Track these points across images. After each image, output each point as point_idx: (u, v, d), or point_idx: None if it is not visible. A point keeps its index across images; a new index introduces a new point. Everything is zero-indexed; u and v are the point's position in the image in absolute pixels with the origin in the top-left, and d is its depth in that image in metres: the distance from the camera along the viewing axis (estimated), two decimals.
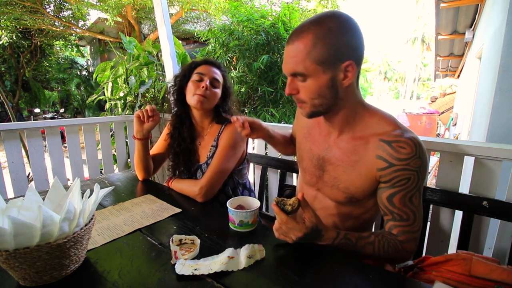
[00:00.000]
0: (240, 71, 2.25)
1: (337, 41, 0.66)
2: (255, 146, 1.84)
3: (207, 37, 2.25)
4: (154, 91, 2.74)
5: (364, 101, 0.77)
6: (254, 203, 0.84)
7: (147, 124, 1.13)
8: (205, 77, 1.09)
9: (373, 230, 1.09)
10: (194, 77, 1.10)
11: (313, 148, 0.85)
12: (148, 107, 1.11)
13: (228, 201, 0.81)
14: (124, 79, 2.62)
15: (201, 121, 1.18)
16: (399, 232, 0.71)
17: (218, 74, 1.12)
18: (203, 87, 1.06)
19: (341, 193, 0.78)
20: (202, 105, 1.08)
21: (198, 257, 0.66)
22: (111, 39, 9.17)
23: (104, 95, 2.84)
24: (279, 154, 1.43)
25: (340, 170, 0.77)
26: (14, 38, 8.67)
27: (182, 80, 1.14)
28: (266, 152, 1.73)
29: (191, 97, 1.08)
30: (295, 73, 0.69)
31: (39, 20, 7.86)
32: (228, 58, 2.10)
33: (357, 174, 0.74)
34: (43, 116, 10.44)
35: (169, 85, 1.21)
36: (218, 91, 1.12)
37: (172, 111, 1.21)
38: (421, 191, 0.72)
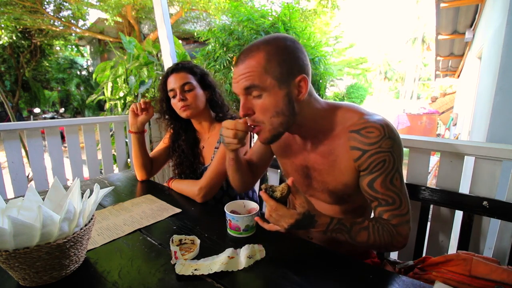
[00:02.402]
0: None
1: (288, 58, 0.67)
2: None
3: (207, 37, 2.25)
4: (154, 91, 2.75)
5: (322, 102, 0.76)
6: (249, 204, 0.83)
7: (140, 117, 1.15)
8: (175, 90, 1.08)
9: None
10: (170, 95, 1.12)
11: (295, 161, 0.85)
12: (141, 100, 1.14)
13: (225, 209, 0.78)
14: (124, 79, 2.62)
15: (200, 126, 1.20)
16: (389, 216, 0.70)
17: (185, 77, 1.09)
18: (178, 101, 1.08)
19: (332, 194, 0.79)
20: (191, 114, 1.10)
21: (198, 257, 0.66)
22: (111, 39, 9.17)
23: (104, 95, 2.84)
24: None
25: (324, 173, 0.78)
26: (14, 38, 8.67)
27: (166, 101, 1.16)
28: None
29: (180, 113, 1.12)
30: (251, 86, 0.66)
31: (39, 20, 7.87)
32: (228, 58, 2.10)
33: (339, 172, 0.74)
34: (43, 116, 10.44)
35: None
36: (195, 91, 1.10)
37: (169, 128, 1.23)
38: (401, 172, 0.71)
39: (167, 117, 1.20)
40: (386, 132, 0.68)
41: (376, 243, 0.67)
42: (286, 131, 0.73)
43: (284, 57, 0.66)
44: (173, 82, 1.09)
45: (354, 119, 0.72)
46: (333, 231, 0.66)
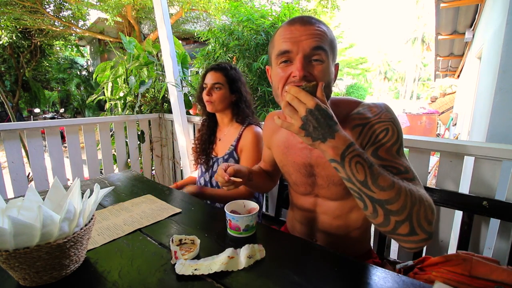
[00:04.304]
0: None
1: (335, 43, 0.71)
2: None
3: (207, 37, 2.25)
4: (154, 91, 2.75)
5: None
6: (249, 204, 0.83)
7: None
8: (207, 85, 1.24)
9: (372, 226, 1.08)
10: (204, 86, 1.27)
11: (296, 159, 0.83)
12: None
13: (225, 209, 0.78)
14: (124, 79, 2.62)
15: (221, 120, 1.33)
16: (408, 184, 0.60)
17: (219, 77, 1.23)
18: (206, 94, 1.24)
19: (340, 186, 0.77)
20: (212, 109, 1.25)
21: (198, 257, 0.66)
22: (111, 39, 9.17)
23: (104, 95, 2.84)
24: None
25: (329, 165, 0.75)
26: (14, 38, 8.66)
27: (200, 91, 1.31)
28: None
29: (206, 105, 1.27)
30: (320, 48, 0.65)
31: (39, 20, 7.86)
32: (228, 58, 2.09)
33: None
34: (43, 116, 10.44)
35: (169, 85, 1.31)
36: (223, 91, 1.23)
37: (202, 116, 1.41)
38: (403, 149, 0.68)
39: (202, 104, 1.33)
40: (385, 107, 0.71)
41: (401, 195, 0.55)
42: None
43: (335, 43, 0.71)
44: (208, 78, 1.25)
45: (354, 106, 0.75)
46: (353, 157, 0.55)
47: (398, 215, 0.55)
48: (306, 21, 0.67)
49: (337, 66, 0.73)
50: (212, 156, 1.32)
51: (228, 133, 1.30)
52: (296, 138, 0.83)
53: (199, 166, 1.37)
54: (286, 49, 0.66)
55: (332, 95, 0.76)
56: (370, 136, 0.69)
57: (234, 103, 1.27)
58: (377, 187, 0.55)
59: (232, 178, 0.80)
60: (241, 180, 0.81)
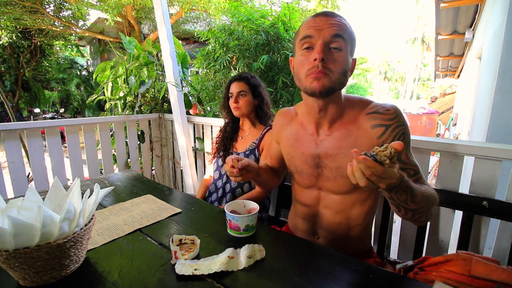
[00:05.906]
0: (240, 71, 2.24)
1: (355, 40, 0.77)
2: None
3: (207, 37, 2.25)
4: (154, 91, 2.74)
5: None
6: (249, 204, 0.83)
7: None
8: (233, 94, 1.39)
9: (373, 219, 1.09)
10: (229, 95, 1.43)
11: (305, 151, 0.85)
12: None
13: (225, 209, 0.78)
14: (124, 79, 2.62)
15: (243, 122, 1.49)
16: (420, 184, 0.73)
17: (242, 86, 1.38)
18: (233, 102, 1.39)
19: (347, 179, 0.76)
20: (239, 114, 1.41)
21: (198, 257, 0.66)
22: (111, 39, 9.16)
23: (104, 95, 2.84)
24: None
25: (340, 157, 0.79)
26: (14, 38, 8.65)
27: (226, 99, 1.46)
28: None
29: (233, 111, 1.42)
30: (340, 36, 0.72)
31: (39, 20, 7.85)
32: (228, 58, 2.09)
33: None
34: (43, 116, 10.43)
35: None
36: (247, 97, 1.38)
37: (225, 119, 1.55)
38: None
39: (226, 110, 1.49)
40: (398, 109, 0.77)
41: (426, 203, 0.68)
42: (334, 93, 0.76)
43: (354, 38, 0.77)
44: (233, 88, 1.40)
45: (367, 105, 0.80)
46: (399, 189, 0.60)
47: (420, 213, 0.69)
48: (329, 14, 0.74)
49: (354, 60, 0.79)
50: (232, 152, 1.46)
51: (250, 133, 1.45)
52: (307, 131, 0.86)
53: (215, 160, 1.50)
54: (309, 34, 0.73)
55: None
56: (392, 138, 0.75)
57: (257, 106, 1.42)
58: (413, 203, 0.65)
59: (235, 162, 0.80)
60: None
